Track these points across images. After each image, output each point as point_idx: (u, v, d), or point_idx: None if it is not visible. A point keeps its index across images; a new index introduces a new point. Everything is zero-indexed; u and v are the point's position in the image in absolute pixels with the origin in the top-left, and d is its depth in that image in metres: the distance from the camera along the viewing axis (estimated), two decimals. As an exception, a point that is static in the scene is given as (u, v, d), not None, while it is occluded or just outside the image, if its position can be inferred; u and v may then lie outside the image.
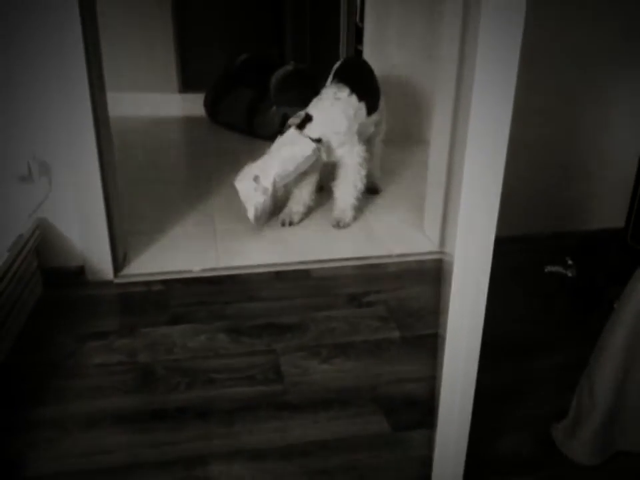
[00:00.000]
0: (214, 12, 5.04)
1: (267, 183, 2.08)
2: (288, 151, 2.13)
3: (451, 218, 2.02)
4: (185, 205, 2.43)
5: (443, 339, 1.10)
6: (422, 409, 1.39)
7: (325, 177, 2.42)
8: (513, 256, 1.98)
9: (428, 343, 1.62)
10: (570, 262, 1.96)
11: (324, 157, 2.22)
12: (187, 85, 4.48)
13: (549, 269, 1.99)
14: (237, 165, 2.90)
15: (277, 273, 1.97)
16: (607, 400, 1.19)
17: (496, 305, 1.09)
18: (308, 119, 2.19)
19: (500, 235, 1.01)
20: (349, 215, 2.30)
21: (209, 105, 3.71)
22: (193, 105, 3.97)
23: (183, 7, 4.67)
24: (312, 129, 2.17)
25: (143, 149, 3.18)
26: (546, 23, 1.89)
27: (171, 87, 4.35)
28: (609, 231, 2.24)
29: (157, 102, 4.16)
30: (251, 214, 2.10)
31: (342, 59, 2.71)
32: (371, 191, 2.57)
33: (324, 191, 2.44)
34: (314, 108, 2.24)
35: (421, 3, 3.07)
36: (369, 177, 2.44)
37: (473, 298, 1.03)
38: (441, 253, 2.10)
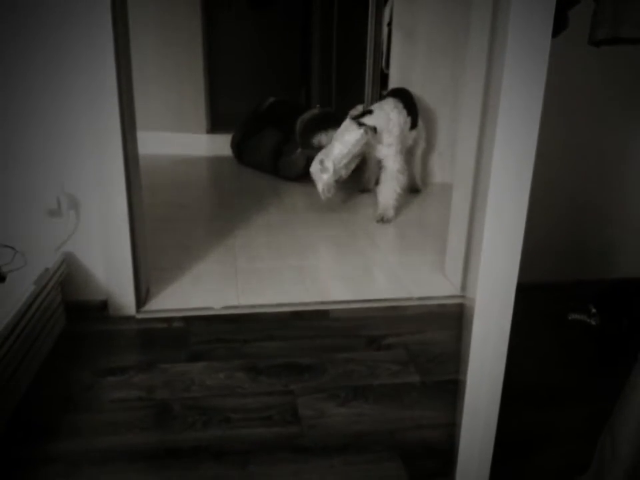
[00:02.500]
0: (244, 57, 5.20)
1: (329, 164, 2.64)
2: (343, 138, 2.66)
3: (473, 262, 2.01)
4: (208, 242, 2.46)
5: (464, 385, 1.08)
6: (441, 457, 1.36)
7: (369, 179, 3.10)
8: (535, 302, 1.96)
9: (448, 389, 1.59)
10: (593, 310, 1.93)
11: (375, 145, 2.74)
12: (215, 126, 4.59)
13: (572, 316, 1.95)
14: (259, 204, 2.96)
15: (297, 313, 1.97)
16: (630, 454, 1.15)
17: (517, 352, 1.07)
18: (368, 112, 2.75)
19: (522, 281, 1.00)
20: (391, 212, 2.77)
21: (236, 146, 3.79)
22: (220, 145, 4.06)
23: (214, 51, 4.82)
24: (370, 119, 2.69)
25: (170, 186, 3.25)
26: (566, 63, 1.91)
27: (199, 128, 4.46)
28: (633, 279, 2.21)
29: (186, 142, 4.26)
30: (319, 189, 2.70)
31: (392, 87, 3.13)
32: (413, 190, 3.13)
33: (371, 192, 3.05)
34: (377, 108, 2.77)
35: (445, 49, 3.13)
36: (412, 178, 3.07)
37: (494, 344, 1.02)
38: (463, 297, 2.08)
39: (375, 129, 2.66)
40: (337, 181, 2.70)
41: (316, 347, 1.78)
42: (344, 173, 2.70)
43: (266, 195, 3.13)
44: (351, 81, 4.60)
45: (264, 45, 5.19)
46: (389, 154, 2.74)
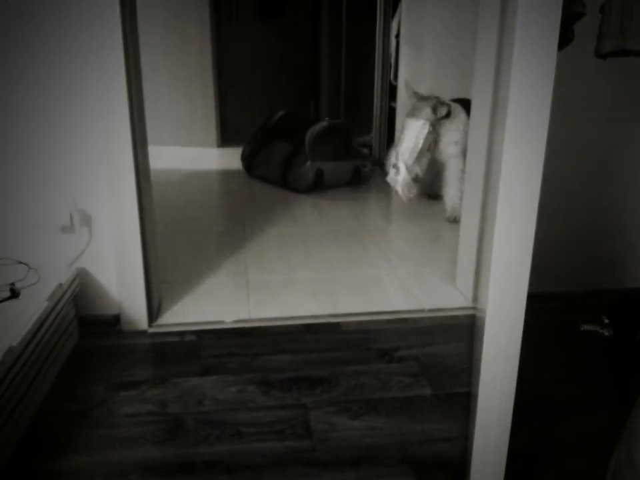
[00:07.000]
0: (253, 71, 5.24)
1: (400, 164, 2.80)
2: (406, 134, 2.83)
3: (484, 273, 2.00)
4: (219, 255, 2.47)
5: (475, 397, 1.08)
6: (453, 470, 1.35)
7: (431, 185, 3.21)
8: (547, 313, 1.95)
9: (460, 402, 1.58)
10: (606, 320, 1.92)
11: (443, 135, 2.87)
12: (225, 139, 4.63)
13: (584, 327, 1.94)
14: (270, 216, 2.97)
15: (308, 326, 1.97)
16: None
17: (529, 364, 1.07)
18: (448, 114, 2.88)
19: (534, 292, 1.00)
20: (459, 210, 2.82)
21: (246, 159, 3.81)
22: (231, 158, 4.10)
23: (224, 65, 4.87)
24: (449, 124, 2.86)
25: (181, 200, 3.27)
26: (575, 71, 1.91)
27: (210, 142, 4.50)
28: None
29: (197, 155, 4.30)
30: (400, 192, 2.83)
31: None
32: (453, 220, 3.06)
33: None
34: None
35: (453, 61, 3.14)
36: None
37: (506, 355, 1.02)
38: (474, 308, 2.08)
39: (445, 109, 2.79)
40: (415, 180, 2.84)
41: (327, 360, 1.78)
42: (418, 170, 2.83)
43: (276, 208, 3.15)
44: (359, 93, 4.62)
45: (273, 59, 5.24)
46: (453, 153, 2.87)
